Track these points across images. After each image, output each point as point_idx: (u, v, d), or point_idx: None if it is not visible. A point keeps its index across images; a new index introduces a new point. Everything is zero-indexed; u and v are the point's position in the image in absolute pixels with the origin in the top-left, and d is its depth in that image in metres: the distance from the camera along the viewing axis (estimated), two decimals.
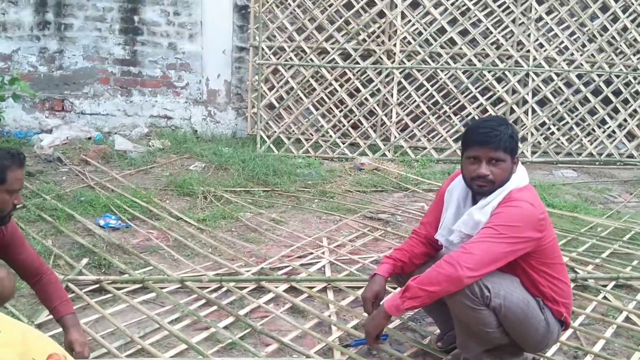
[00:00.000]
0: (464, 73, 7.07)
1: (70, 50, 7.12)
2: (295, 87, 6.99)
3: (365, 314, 2.66)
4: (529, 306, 2.42)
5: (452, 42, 7.25)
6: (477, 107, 7.15)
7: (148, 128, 7.21)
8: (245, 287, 3.41)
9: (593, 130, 7.24)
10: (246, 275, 3.53)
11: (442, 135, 7.15)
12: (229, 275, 3.57)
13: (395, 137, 6.94)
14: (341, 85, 7.11)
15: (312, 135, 7.06)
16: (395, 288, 3.16)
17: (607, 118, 7.21)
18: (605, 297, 3.40)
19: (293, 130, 7.15)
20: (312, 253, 3.98)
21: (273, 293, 3.34)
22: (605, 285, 3.54)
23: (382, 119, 7.16)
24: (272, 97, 7.03)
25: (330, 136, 6.98)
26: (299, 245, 4.12)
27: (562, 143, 7.27)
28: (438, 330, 2.90)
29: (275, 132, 6.89)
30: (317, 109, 7.03)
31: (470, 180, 2.43)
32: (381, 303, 2.50)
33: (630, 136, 7.32)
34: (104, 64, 7.23)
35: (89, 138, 6.75)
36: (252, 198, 5.21)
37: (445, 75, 7.11)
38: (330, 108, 7.12)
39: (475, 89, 7.15)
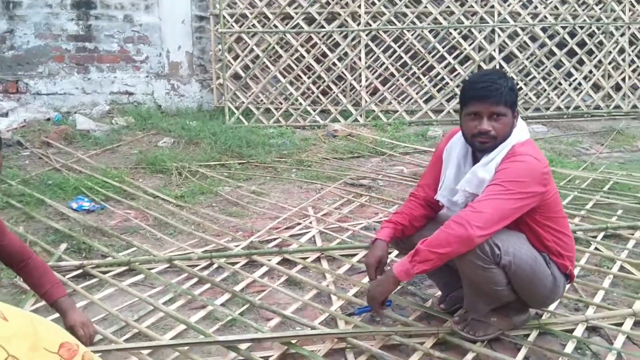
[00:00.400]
0: (430, 32, 7.00)
1: (20, 29, 6.74)
2: (261, 55, 6.80)
3: (368, 281, 2.60)
4: (536, 262, 2.38)
5: (416, 0, 7.14)
6: (445, 67, 7.11)
7: (109, 105, 6.92)
8: (236, 263, 3.30)
9: (559, 83, 7.29)
10: (236, 250, 3.41)
11: (412, 97, 7.09)
12: (219, 251, 3.44)
13: (366, 102, 6.85)
14: (308, 51, 6.95)
15: (282, 104, 6.90)
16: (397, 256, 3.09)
17: (573, 70, 7.26)
18: (596, 249, 3.42)
19: (262, 100, 6.98)
20: (299, 223, 3.88)
21: (266, 266, 3.24)
22: (594, 237, 3.56)
23: (351, 84, 7.04)
24: (237, 67, 6.82)
25: (300, 104, 6.84)
26: (285, 216, 4.01)
27: (530, 99, 7.30)
28: (439, 293, 2.86)
29: (243, 102, 6.70)
30: (284, 77, 6.87)
31: (472, 137, 2.35)
32: (388, 268, 2.43)
33: (596, 87, 7.40)
34: (58, 41, 6.87)
35: (48, 119, 6.43)
36: (229, 171, 5.06)
37: (412, 35, 7.02)
38: (298, 75, 6.96)
39: (443, 48, 7.10)
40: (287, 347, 2.45)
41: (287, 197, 4.49)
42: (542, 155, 2.38)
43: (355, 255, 3.39)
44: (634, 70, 7.42)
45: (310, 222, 3.90)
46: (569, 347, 2.45)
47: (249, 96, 6.75)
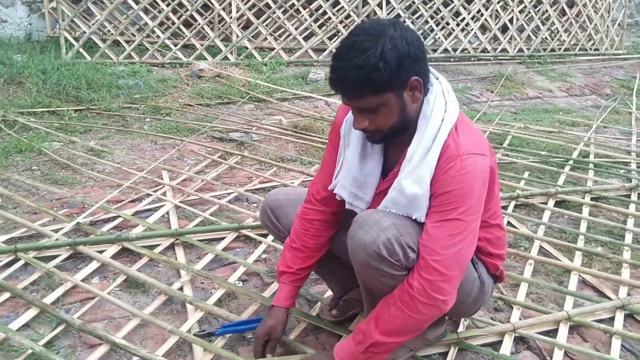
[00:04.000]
0: None
1: None
2: None
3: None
4: None
5: None
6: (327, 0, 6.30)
7: None
8: (55, 257, 2.38)
9: (447, 23, 6.77)
10: (55, 239, 2.48)
11: (291, 33, 6.23)
12: (30, 239, 2.51)
13: (238, 37, 5.87)
14: None
15: (135, 35, 5.76)
16: None
17: (461, 9, 6.74)
18: (509, 223, 2.90)
19: (109, 31, 5.76)
20: (149, 195, 2.99)
21: (97, 261, 2.36)
22: (504, 207, 3.04)
23: (219, 14, 6.01)
24: None
25: (158, 37, 5.74)
26: (130, 183, 3.09)
27: None
28: (329, 292, 2.17)
29: (84, 32, 5.43)
30: (137, 3, 5.65)
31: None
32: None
33: (483, 29, 6.98)
34: None
35: None
36: (60, 122, 3.97)
37: None
38: (155, 1, 5.79)
39: None
40: None
41: (137, 156, 3.55)
42: (481, 137, 1.65)
43: (220, 239, 2.60)
44: (521, 11, 7.08)
45: (164, 193, 3.02)
46: None
47: (93, 24, 5.50)
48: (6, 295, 2.13)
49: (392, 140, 1.64)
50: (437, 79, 1.65)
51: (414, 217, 1.59)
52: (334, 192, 1.77)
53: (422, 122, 1.59)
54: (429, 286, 1.55)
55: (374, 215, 1.61)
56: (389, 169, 1.71)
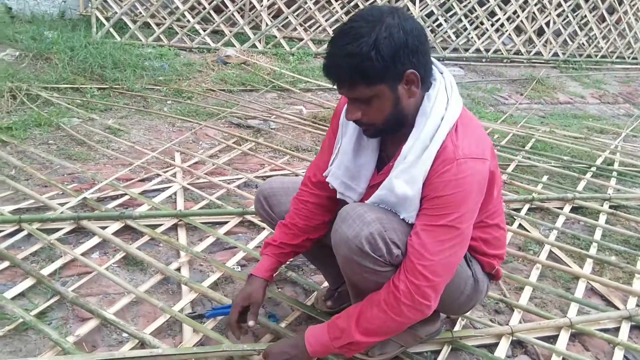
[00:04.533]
0: None
1: None
2: None
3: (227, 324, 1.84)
4: None
5: None
6: None
7: None
8: (58, 229, 2.40)
9: (481, 23, 6.64)
10: (60, 212, 2.50)
11: (321, 24, 6.19)
12: (38, 211, 2.53)
13: (267, 25, 5.86)
14: None
15: (165, 19, 5.79)
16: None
17: (497, 9, 6.61)
18: (520, 226, 2.82)
19: (140, 12, 5.81)
20: (159, 175, 2.99)
21: (99, 237, 2.37)
22: (518, 209, 2.96)
23: (250, 2, 6.00)
24: None
25: (188, 21, 5.76)
26: (141, 162, 3.10)
27: (449, 37, 6.65)
28: (326, 283, 2.14)
29: (116, 12, 5.48)
30: None
31: None
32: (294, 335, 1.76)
33: (518, 31, 6.83)
34: None
35: None
36: (82, 99, 4.01)
37: None
38: None
39: None
40: None
41: (152, 137, 3.56)
42: (482, 138, 1.56)
43: (224, 223, 2.59)
44: (558, 15, 6.90)
45: (174, 174, 3.02)
46: None
47: (124, 5, 5.55)
48: (5, 264, 2.15)
49: (388, 135, 1.58)
50: (441, 73, 1.56)
51: (402, 217, 1.53)
52: (327, 180, 1.73)
53: (421, 119, 1.50)
54: (415, 290, 1.49)
55: (358, 209, 1.55)
56: (385, 161, 1.63)
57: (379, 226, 1.51)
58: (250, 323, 1.74)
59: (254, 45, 5.72)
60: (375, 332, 1.56)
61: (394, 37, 1.38)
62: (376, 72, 1.39)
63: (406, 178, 1.49)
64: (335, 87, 1.48)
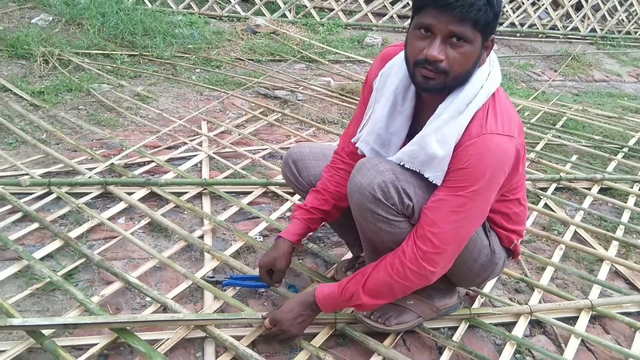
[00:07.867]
0: None
1: None
2: None
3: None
4: None
5: None
6: None
7: None
8: (86, 194, 2.45)
9: None
10: (88, 176, 2.55)
11: None
12: (68, 175, 2.58)
13: None
14: None
15: None
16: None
17: None
18: (546, 205, 2.78)
19: None
20: (185, 143, 3.02)
21: (125, 202, 2.41)
22: (544, 189, 2.92)
23: None
24: None
25: None
26: (168, 130, 3.13)
27: None
28: (349, 254, 2.15)
29: None
30: None
31: (414, 64, 1.47)
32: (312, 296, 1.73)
33: (555, 5, 6.64)
34: None
35: None
36: (113, 65, 4.04)
37: None
38: None
39: None
40: (118, 335, 1.70)
41: (180, 105, 3.58)
42: (512, 116, 1.53)
43: (248, 193, 2.61)
44: None
45: (200, 143, 3.05)
46: (506, 355, 1.81)
47: None
48: (35, 225, 2.21)
49: (444, 93, 1.51)
50: None
51: (426, 176, 1.52)
52: (356, 145, 1.73)
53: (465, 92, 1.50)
54: (421, 255, 1.53)
55: (373, 160, 1.59)
56: (417, 130, 1.58)
57: (391, 175, 1.54)
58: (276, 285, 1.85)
59: (284, 15, 5.68)
60: (382, 294, 1.62)
61: (498, 2, 1.42)
62: (489, 21, 1.40)
63: (439, 137, 1.48)
64: (440, 13, 1.39)
